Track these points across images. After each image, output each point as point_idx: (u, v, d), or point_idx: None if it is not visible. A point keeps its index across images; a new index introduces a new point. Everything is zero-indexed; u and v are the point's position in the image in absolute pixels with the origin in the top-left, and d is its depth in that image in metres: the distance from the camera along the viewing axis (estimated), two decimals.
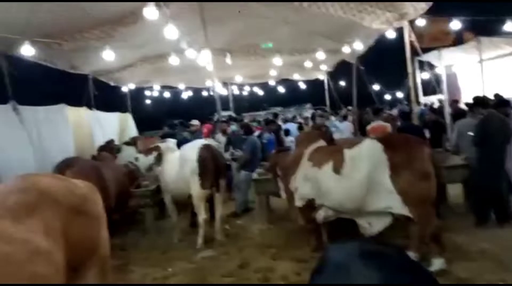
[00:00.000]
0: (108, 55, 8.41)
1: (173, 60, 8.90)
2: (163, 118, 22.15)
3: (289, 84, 18.12)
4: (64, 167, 5.17)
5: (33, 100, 9.10)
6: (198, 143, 5.86)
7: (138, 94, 16.29)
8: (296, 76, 16.34)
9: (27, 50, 7.66)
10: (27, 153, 7.57)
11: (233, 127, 9.27)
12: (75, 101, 11.16)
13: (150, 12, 6.42)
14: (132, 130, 13.73)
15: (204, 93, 17.96)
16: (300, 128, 10.77)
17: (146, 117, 18.66)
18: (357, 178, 4.23)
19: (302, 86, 18.01)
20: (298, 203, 4.87)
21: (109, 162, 6.63)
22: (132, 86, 14.03)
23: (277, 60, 11.09)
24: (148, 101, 19.34)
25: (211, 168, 5.53)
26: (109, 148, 8.73)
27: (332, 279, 0.69)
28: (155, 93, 16.70)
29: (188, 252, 5.41)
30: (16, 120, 7.73)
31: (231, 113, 17.47)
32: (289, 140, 9.04)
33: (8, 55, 8.04)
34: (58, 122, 9.28)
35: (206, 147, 5.65)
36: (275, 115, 14.01)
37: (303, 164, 4.83)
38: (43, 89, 12.55)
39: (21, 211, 2.18)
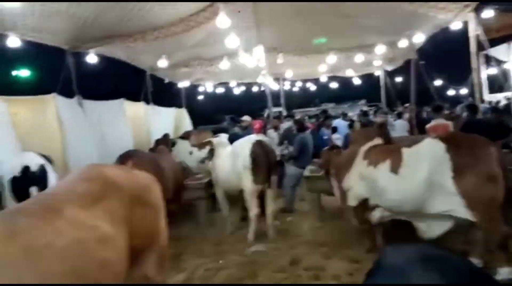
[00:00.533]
0: (163, 61, 8.65)
1: (225, 63, 9.01)
2: (215, 114, 22.66)
3: (342, 79, 17.70)
4: (125, 158, 5.42)
5: (96, 95, 9.63)
6: (250, 138, 5.90)
7: (191, 90, 16.72)
8: (349, 72, 15.94)
9: (94, 49, 8.15)
10: (90, 145, 8.03)
11: (287, 123, 9.23)
12: (134, 96, 11.69)
13: (223, 20, 6.51)
14: (187, 125, 14.14)
15: (256, 89, 18.06)
16: (351, 125, 10.52)
17: (199, 112, 19.14)
18: (417, 179, 4.03)
19: (356, 82, 17.52)
20: (352, 202, 4.75)
21: (165, 155, 6.87)
22: (186, 83, 14.44)
23: (331, 56, 10.89)
24: (201, 97, 19.81)
25: (263, 163, 5.55)
26: (165, 141, 9.04)
27: (387, 282, 0.65)
28: (208, 89, 17.05)
29: (239, 245, 5.48)
30: (81, 113, 8.24)
31: (281, 109, 17.44)
32: (336, 137, 8.88)
33: (75, 52, 8.58)
34: (117, 116, 9.76)
35: (258, 143, 5.68)
36: (324, 112, 13.79)
37: (357, 162, 4.70)
38: (105, 84, 13.26)
39: (89, 199, 2.31)
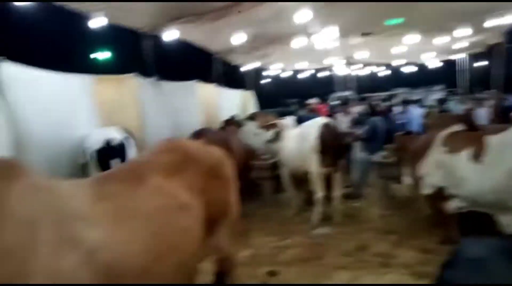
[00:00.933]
0: (235, 38, 8.76)
1: (297, 42, 8.86)
2: (280, 98, 22.64)
3: (417, 64, 16.67)
4: (199, 135, 5.65)
5: (170, 76, 10.09)
6: (319, 121, 5.82)
7: (258, 73, 16.83)
8: (426, 56, 14.95)
9: (169, 32, 8.49)
10: (164, 122, 8.48)
11: (358, 107, 8.97)
12: (204, 78, 12.06)
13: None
14: (253, 107, 14.34)
15: (323, 73, 17.70)
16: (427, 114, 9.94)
17: (264, 95, 19.26)
18: (502, 168, 3.72)
19: (433, 66, 16.40)
20: (426, 190, 4.52)
21: (234, 134, 7.05)
22: (253, 65, 14.55)
23: (407, 38, 10.28)
24: (267, 81, 19.88)
25: (331, 146, 5.46)
26: (233, 122, 9.25)
27: (466, 275, 0.60)
28: (274, 73, 17.05)
29: (304, 227, 5.50)
30: (157, 93, 8.70)
31: (349, 93, 16.92)
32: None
33: (153, 35, 9.01)
34: (189, 96, 10.15)
35: (327, 125, 5.58)
36: (390, 97, 13.20)
37: (435, 149, 4.44)
38: (178, 66, 13.84)
39: (170, 169, 2.44)
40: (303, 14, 6.82)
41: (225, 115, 10.64)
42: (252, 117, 10.23)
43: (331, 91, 20.36)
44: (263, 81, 20.09)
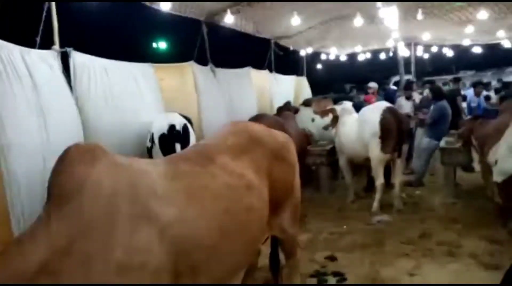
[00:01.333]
0: (294, 20, 8.63)
1: (357, 22, 8.51)
2: (336, 82, 22.12)
3: (487, 45, 15.37)
4: (257, 120, 5.69)
5: (225, 63, 10.23)
6: (381, 105, 5.64)
7: (312, 58, 16.52)
8: (499, 34, 13.69)
9: (225, 18, 8.57)
10: (220, 108, 8.66)
11: (425, 91, 8.56)
12: (258, 65, 12.08)
13: None
14: (307, 93, 14.18)
15: (382, 56, 16.94)
16: (488, 98, 9.25)
17: (319, 81, 18.95)
18: None
19: (505, 46, 15.02)
20: (497, 178, 4.22)
21: (290, 120, 7.03)
22: (308, 50, 14.29)
23: (475, 16, 9.54)
24: (322, 65, 19.45)
25: (394, 131, 5.28)
26: (287, 108, 9.22)
27: None
28: (330, 57, 16.62)
29: (362, 214, 5.41)
30: (213, 80, 8.88)
31: (410, 77, 16.14)
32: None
33: (208, 21, 9.15)
34: (244, 83, 10.25)
35: (389, 110, 5.40)
36: (457, 80, 12.36)
37: (509, 134, 4.14)
38: (233, 52, 13.99)
39: (237, 150, 2.51)
40: None
41: (279, 101, 10.62)
42: (307, 103, 10.15)
43: (390, 75, 19.49)
44: (318, 66, 19.71)
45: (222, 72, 9.44)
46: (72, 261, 1.67)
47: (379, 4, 7.58)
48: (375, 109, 5.50)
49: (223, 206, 2.20)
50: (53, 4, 4.11)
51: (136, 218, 1.87)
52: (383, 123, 5.25)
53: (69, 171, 1.86)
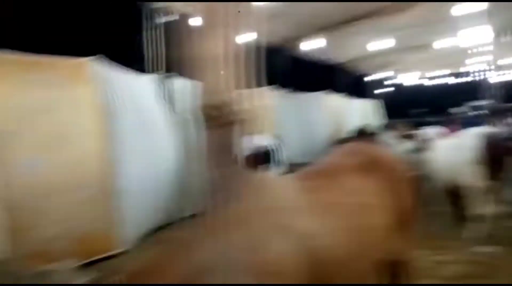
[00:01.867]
0: (369, 46, 8.66)
1: (440, 44, 8.32)
2: (406, 107, 21.44)
3: None
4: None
5: (300, 87, 10.46)
6: (480, 130, 5.39)
7: (381, 82, 16.30)
8: None
9: (302, 45, 8.83)
10: (296, 131, 8.83)
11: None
12: (331, 89, 12.15)
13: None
14: (379, 117, 13.97)
15: (457, 80, 16.25)
16: None
17: (388, 104, 18.55)
18: None
19: None
20: None
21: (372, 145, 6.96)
22: (380, 75, 14.15)
23: None
24: (392, 89, 19.07)
25: (495, 157, 5.00)
26: (365, 132, 9.12)
27: None
28: (403, 81, 16.28)
29: (459, 243, 5.11)
30: (290, 103, 9.12)
31: (489, 102, 15.19)
32: None
33: (287, 49, 9.49)
34: (318, 107, 10.39)
35: (490, 135, 5.14)
36: None
37: None
38: (308, 77, 14.24)
39: (360, 170, 2.55)
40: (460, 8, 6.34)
41: (351, 125, 10.62)
42: (386, 127, 9.98)
43: (464, 100, 18.53)
44: (386, 90, 19.36)
45: (298, 96, 9.68)
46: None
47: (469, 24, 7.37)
48: (473, 134, 5.26)
49: (352, 223, 2.23)
50: None
51: (276, 229, 1.95)
52: (485, 149, 4.99)
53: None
